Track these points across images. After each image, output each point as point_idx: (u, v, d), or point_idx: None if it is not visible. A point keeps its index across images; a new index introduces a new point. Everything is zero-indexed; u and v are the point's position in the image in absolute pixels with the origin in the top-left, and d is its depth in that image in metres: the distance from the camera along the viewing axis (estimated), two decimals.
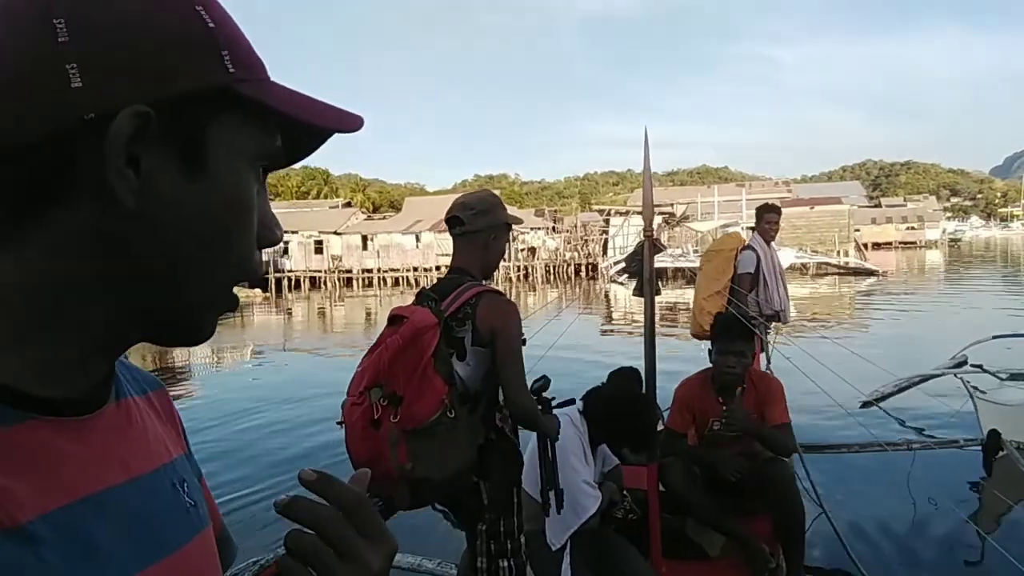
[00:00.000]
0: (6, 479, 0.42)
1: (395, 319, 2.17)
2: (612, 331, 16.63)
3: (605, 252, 46.54)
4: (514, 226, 2.50)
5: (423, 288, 2.32)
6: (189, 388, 11.15)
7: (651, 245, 3.15)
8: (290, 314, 28.04)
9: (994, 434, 4.59)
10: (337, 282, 44.19)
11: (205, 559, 0.57)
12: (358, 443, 2.02)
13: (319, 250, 46.90)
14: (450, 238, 2.41)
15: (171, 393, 0.66)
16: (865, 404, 7.19)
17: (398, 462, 1.97)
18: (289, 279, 43.76)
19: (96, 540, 0.46)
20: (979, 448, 4.71)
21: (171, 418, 0.64)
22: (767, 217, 5.56)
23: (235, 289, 0.54)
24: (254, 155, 0.51)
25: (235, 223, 0.50)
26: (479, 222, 2.29)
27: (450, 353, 2.13)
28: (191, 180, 0.47)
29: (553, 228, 53.58)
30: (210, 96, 0.47)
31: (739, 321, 3.58)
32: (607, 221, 50.95)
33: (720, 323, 3.66)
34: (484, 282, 2.33)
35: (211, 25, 0.48)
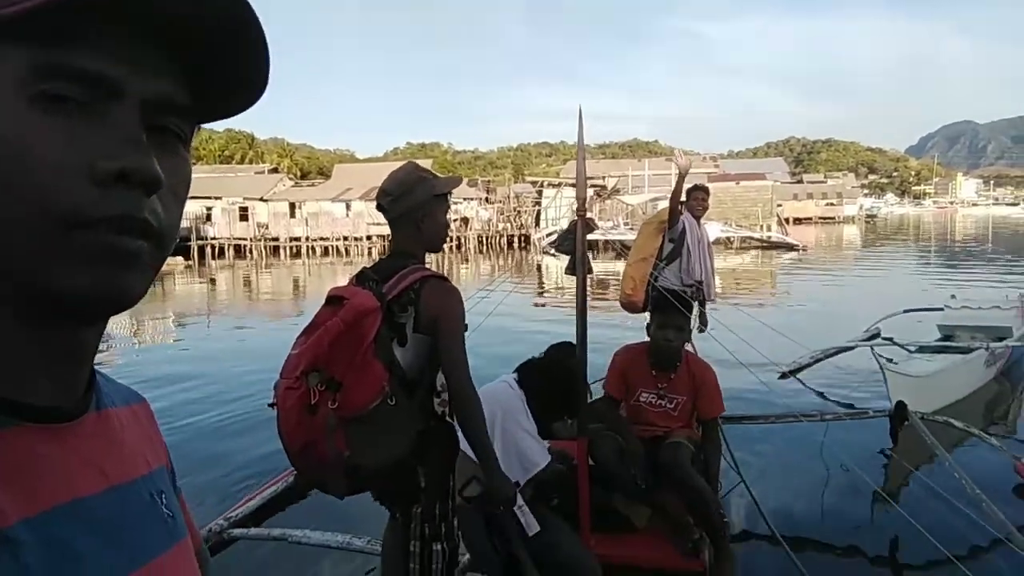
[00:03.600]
0: None
1: (333, 299, 2.09)
2: (544, 304, 16.75)
3: (538, 223, 46.71)
4: (450, 195, 2.41)
5: (364, 268, 2.24)
6: (107, 359, 10.74)
7: (584, 224, 3.17)
8: (213, 283, 27.21)
9: (900, 405, 4.86)
10: (263, 250, 43.04)
11: (184, 569, 0.58)
12: (293, 428, 1.96)
13: (244, 217, 45.40)
14: None
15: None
16: (783, 375, 7.53)
17: (336, 449, 1.93)
18: (213, 246, 42.34)
19: (76, 546, 0.46)
20: (887, 418, 4.98)
21: (152, 431, 0.64)
22: (696, 195, 5.84)
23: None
24: (20, 78, 0.43)
25: (5, 161, 0.43)
26: (400, 206, 2.20)
27: (391, 338, 2.06)
28: None
29: (486, 199, 53.42)
30: None
31: (676, 295, 3.65)
32: (540, 193, 51.05)
33: (658, 297, 3.72)
34: (427, 264, 2.27)
35: None
